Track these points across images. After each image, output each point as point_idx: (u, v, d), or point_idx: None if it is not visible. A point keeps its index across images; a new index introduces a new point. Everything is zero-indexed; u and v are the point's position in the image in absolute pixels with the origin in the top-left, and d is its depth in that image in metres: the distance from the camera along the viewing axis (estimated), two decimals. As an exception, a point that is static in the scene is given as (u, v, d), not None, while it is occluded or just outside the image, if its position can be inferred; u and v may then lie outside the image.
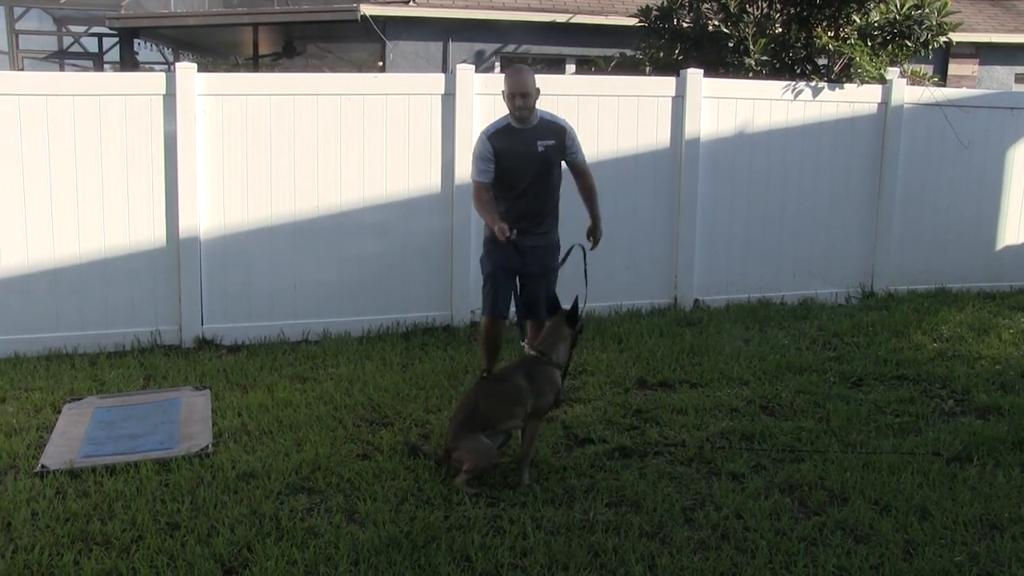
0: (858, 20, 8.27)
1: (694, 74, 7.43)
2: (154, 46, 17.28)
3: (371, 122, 6.75)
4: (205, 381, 5.71)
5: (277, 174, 6.61)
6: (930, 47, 8.33)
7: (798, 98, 7.77)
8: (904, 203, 8.17)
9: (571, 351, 4.68)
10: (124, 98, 6.30)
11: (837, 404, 5.29)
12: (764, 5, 8.61)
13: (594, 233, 5.42)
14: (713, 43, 8.53)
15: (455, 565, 3.50)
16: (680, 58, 8.65)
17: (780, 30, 8.48)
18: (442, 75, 7.02)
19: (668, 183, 7.51)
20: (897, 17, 8.21)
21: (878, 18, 8.28)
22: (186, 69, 6.40)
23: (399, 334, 6.81)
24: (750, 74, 8.14)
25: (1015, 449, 4.65)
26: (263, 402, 5.26)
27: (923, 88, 8.16)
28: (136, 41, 15.37)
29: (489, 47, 13.80)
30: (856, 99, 7.93)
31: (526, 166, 5.13)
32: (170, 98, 6.34)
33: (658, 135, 7.43)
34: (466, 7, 13.48)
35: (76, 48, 17.91)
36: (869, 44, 8.16)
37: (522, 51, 13.90)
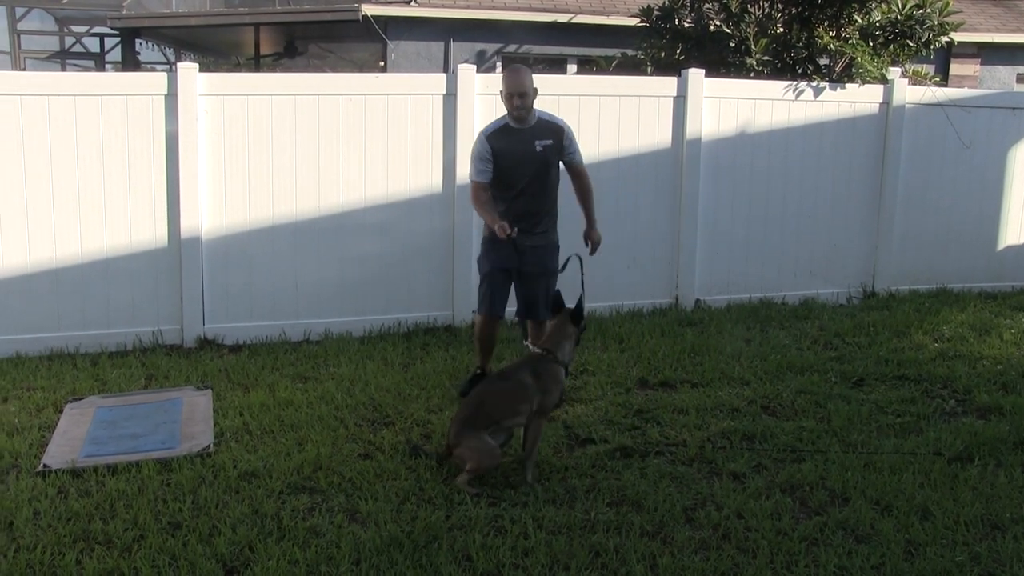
0: (860, 20, 8.27)
1: (695, 74, 7.43)
2: (156, 46, 17.31)
3: (373, 122, 6.75)
4: (207, 381, 5.71)
5: (279, 174, 6.62)
6: (932, 47, 8.32)
7: (799, 98, 7.77)
8: (905, 203, 8.17)
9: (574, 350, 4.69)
10: (126, 98, 6.30)
11: (838, 404, 5.29)
12: (765, 5, 8.60)
13: (591, 235, 5.41)
14: (714, 43, 8.52)
15: (456, 565, 3.51)
16: (681, 58, 8.65)
17: (781, 30, 8.48)
18: (443, 75, 7.02)
19: (669, 183, 7.51)
20: (899, 17, 8.20)
21: (880, 18, 8.27)
22: (188, 69, 6.40)
23: (400, 334, 6.81)
24: (751, 74, 8.14)
25: (1016, 449, 4.65)
26: (265, 402, 5.26)
27: (925, 88, 8.16)
28: (138, 41, 15.39)
29: (491, 47, 13.81)
30: (858, 99, 7.92)
31: (524, 166, 5.14)
32: (172, 98, 6.35)
33: (659, 135, 7.42)
34: (467, 7, 13.49)
35: (78, 48, 17.93)
36: (871, 44, 8.15)
37: (523, 51, 13.90)
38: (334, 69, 17.39)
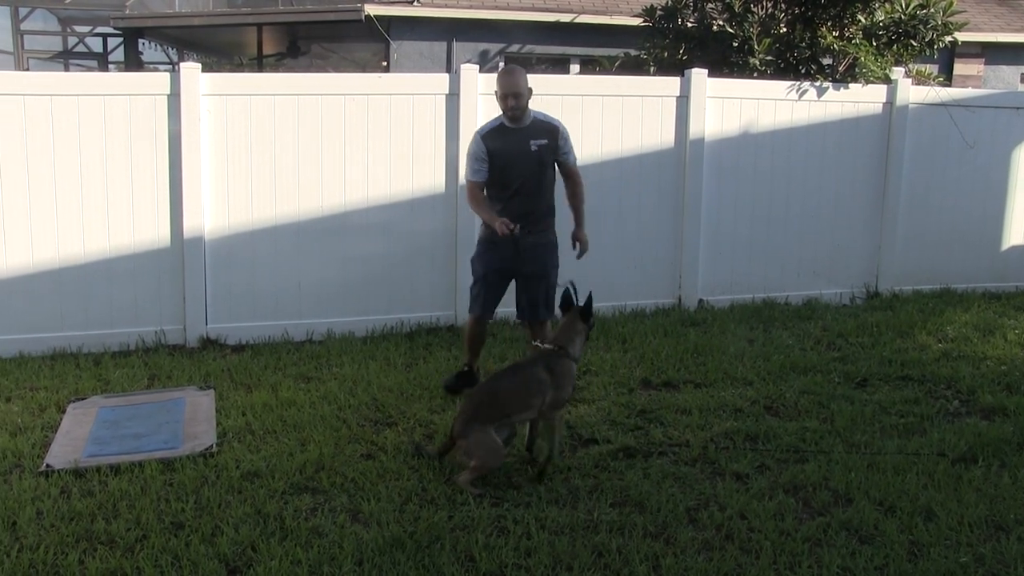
0: (863, 20, 8.26)
1: (698, 74, 7.42)
2: (158, 46, 17.32)
3: (375, 122, 6.75)
4: (209, 381, 5.71)
5: (281, 174, 6.62)
6: (935, 47, 8.31)
7: (803, 98, 7.76)
8: (909, 203, 8.15)
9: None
10: (128, 98, 6.30)
11: (841, 404, 5.28)
12: (769, 5, 8.59)
13: (579, 236, 5.40)
14: (718, 43, 8.51)
15: (459, 565, 3.50)
16: (684, 58, 8.63)
17: (785, 30, 8.47)
18: (446, 75, 7.02)
19: (672, 183, 7.50)
20: (902, 17, 8.19)
21: (883, 18, 8.26)
22: (190, 69, 6.40)
23: (403, 334, 6.81)
24: (755, 74, 8.13)
25: (1021, 450, 4.64)
26: (267, 402, 5.26)
27: (928, 88, 8.15)
28: (140, 41, 15.39)
29: (493, 47, 13.80)
30: (861, 99, 7.91)
31: (519, 165, 5.16)
32: (174, 98, 6.35)
33: (662, 135, 7.42)
34: (470, 7, 13.48)
35: (81, 48, 17.93)
36: (874, 44, 8.14)
37: (526, 51, 13.90)
38: (337, 69, 17.39)
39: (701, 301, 7.64)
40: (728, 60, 8.33)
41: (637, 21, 9.51)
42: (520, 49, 13.86)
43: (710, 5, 8.76)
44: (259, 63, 15.89)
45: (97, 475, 4.29)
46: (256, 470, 4.33)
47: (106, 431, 4.85)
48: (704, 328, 6.95)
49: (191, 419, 5.01)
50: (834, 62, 8.29)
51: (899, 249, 8.18)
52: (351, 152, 6.73)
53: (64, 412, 5.15)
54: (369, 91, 6.76)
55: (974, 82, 14.54)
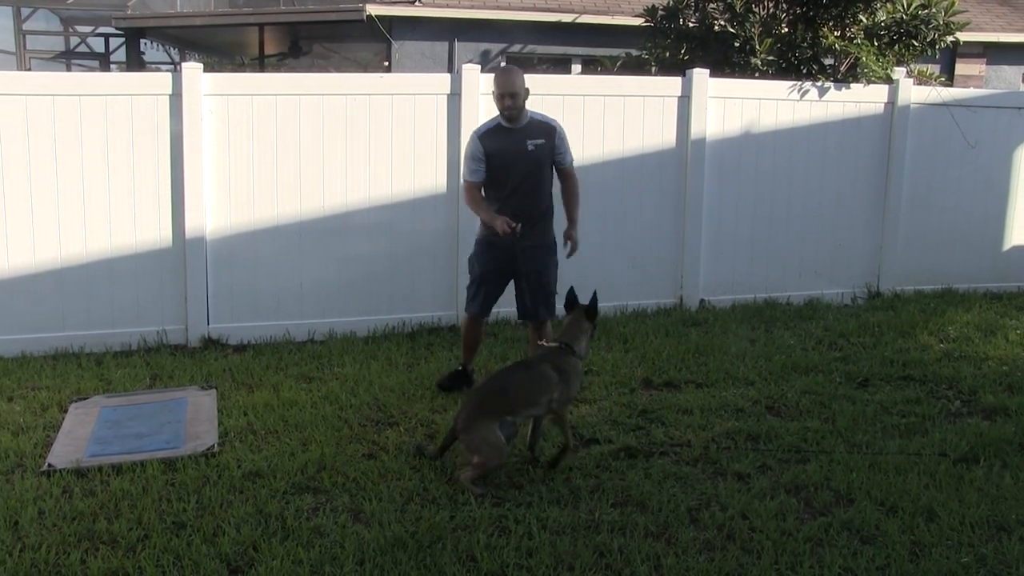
0: (865, 20, 8.25)
1: (700, 74, 7.42)
2: (160, 46, 17.32)
3: (377, 122, 6.75)
4: (211, 381, 5.72)
5: (283, 174, 6.62)
6: (937, 47, 8.30)
7: (804, 98, 7.75)
8: (910, 203, 8.15)
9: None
10: (130, 98, 6.31)
11: (843, 404, 5.28)
12: (770, 5, 8.59)
13: (571, 235, 5.38)
14: (719, 43, 8.51)
15: (460, 565, 3.50)
16: (686, 58, 8.63)
17: (786, 30, 8.47)
18: (448, 75, 7.03)
19: (674, 183, 7.50)
20: (904, 17, 8.18)
21: (885, 18, 8.25)
22: (192, 69, 6.41)
23: (405, 334, 6.81)
24: (756, 74, 8.13)
25: (1022, 450, 4.64)
26: (269, 402, 5.27)
27: (930, 88, 8.14)
28: (142, 41, 15.40)
29: (495, 47, 13.80)
30: (862, 99, 7.91)
31: (516, 165, 5.17)
32: (176, 98, 6.36)
33: (664, 135, 7.42)
34: (472, 7, 13.48)
35: (83, 48, 17.94)
36: (876, 44, 8.13)
37: (528, 51, 13.89)
38: (338, 69, 17.39)
39: (702, 301, 7.64)
40: (730, 60, 8.33)
41: (638, 21, 9.51)
42: (522, 49, 13.85)
43: (711, 5, 8.76)
44: (261, 63, 15.89)
45: (99, 475, 4.29)
46: (258, 470, 4.34)
47: (108, 431, 4.86)
48: (705, 328, 6.95)
49: (193, 419, 5.01)
50: (836, 62, 8.28)
51: (900, 249, 8.17)
52: (353, 152, 6.73)
53: (66, 412, 5.15)
54: (371, 91, 6.76)
55: (976, 82, 14.53)
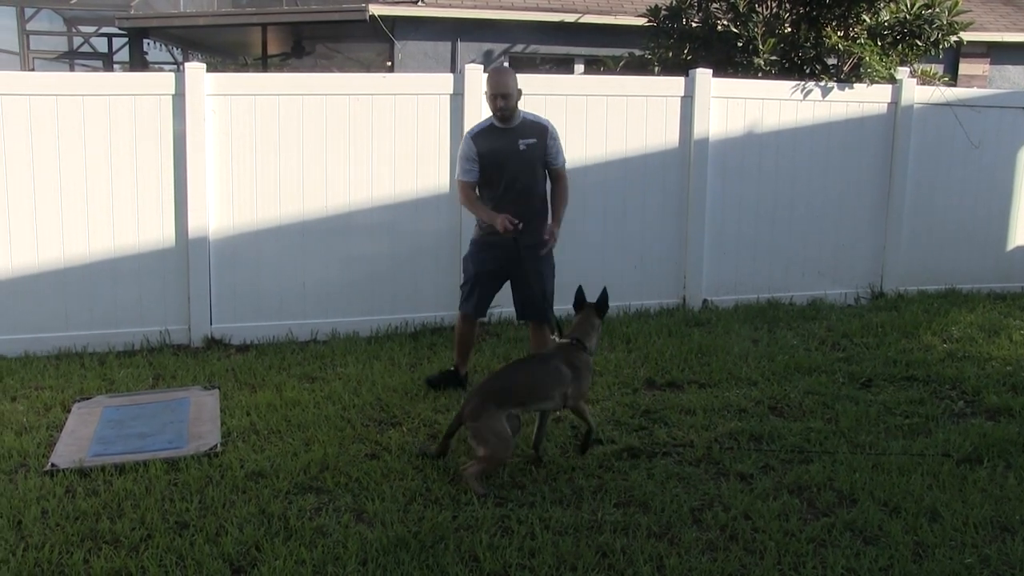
0: (868, 20, 8.24)
1: (703, 74, 7.42)
2: (163, 46, 17.34)
3: (380, 122, 6.75)
4: (214, 380, 5.72)
5: (286, 174, 6.62)
6: (941, 47, 8.29)
7: (807, 98, 7.75)
8: (914, 203, 8.14)
9: None
10: (133, 98, 6.32)
11: (846, 405, 5.28)
12: (773, 5, 8.58)
13: (551, 230, 5.26)
14: (722, 43, 8.50)
15: (463, 565, 3.50)
16: (689, 58, 8.63)
17: (789, 30, 8.46)
18: (451, 75, 7.03)
19: (677, 183, 7.50)
20: (907, 16, 8.17)
21: (888, 17, 8.24)
22: (195, 69, 6.41)
23: (408, 334, 6.81)
24: (759, 74, 8.12)
25: (1026, 451, 4.63)
26: (272, 402, 5.27)
27: (933, 88, 8.13)
28: (145, 41, 15.43)
29: (498, 47, 13.80)
30: (866, 99, 7.90)
31: (509, 165, 5.20)
32: (179, 98, 6.36)
33: (667, 135, 7.41)
34: (475, 7, 13.48)
35: (86, 48, 17.98)
36: (879, 44, 8.12)
37: (530, 51, 13.89)
38: (341, 69, 17.41)
39: (705, 301, 7.63)
40: (732, 60, 8.32)
41: (641, 21, 9.50)
42: (524, 49, 13.86)
43: (714, 5, 8.75)
44: (263, 63, 15.90)
45: (102, 474, 4.30)
46: (260, 470, 4.34)
47: (111, 431, 4.86)
48: (708, 328, 6.94)
49: (196, 419, 5.01)
50: (839, 62, 8.27)
51: (904, 249, 8.16)
52: (355, 152, 6.73)
53: (69, 412, 5.16)
54: (373, 91, 6.77)
55: (979, 82, 14.51)
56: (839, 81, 7.94)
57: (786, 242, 7.87)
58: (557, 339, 4.71)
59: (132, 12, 14.42)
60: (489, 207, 5.19)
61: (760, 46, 8.12)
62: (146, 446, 4.66)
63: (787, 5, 8.55)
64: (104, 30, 17.07)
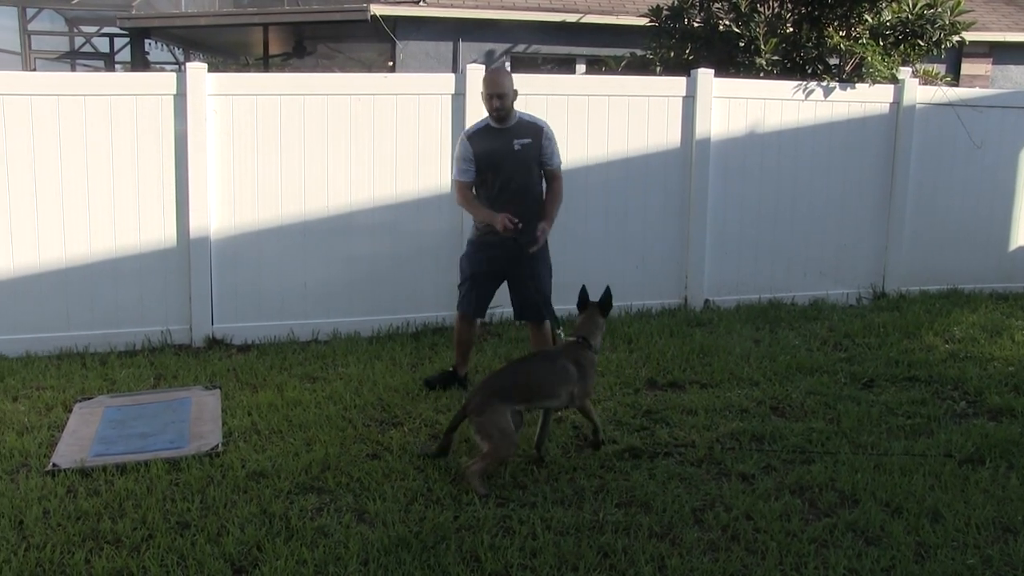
0: (870, 20, 8.23)
1: (705, 74, 7.41)
2: (165, 46, 17.35)
3: (381, 122, 6.75)
4: (215, 380, 5.72)
5: (287, 174, 6.63)
6: (943, 46, 8.28)
7: (809, 98, 7.74)
8: (916, 203, 8.13)
9: None
10: (135, 98, 6.32)
11: (848, 405, 5.27)
12: (775, 5, 8.57)
13: (542, 228, 5.21)
14: (724, 43, 8.50)
15: (464, 565, 3.50)
16: (691, 58, 8.62)
17: (791, 30, 8.45)
18: (452, 75, 7.02)
19: (678, 183, 7.49)
20: (909, 16, 8.16)
21: (890, 17, 8.23)
22: (197, 69, 6.42)
23: (409, 334, 6.81)
24: (761, 74, 8.11)
25: (1028, 451, 4.62)
26: (273, 402, 5.27)
27: (935, 88, 8.12)
28: (147, 41, 15.43)
29: (499, 47, 13.80)
30: (868, 99, 7.89)
31: (505, 166, 5.21)
32: (181, 98, 6.36)
33: (668, 135, 7.41)
34: (476, 7, 13.48)
35: (87, 48, 17.99)
36: (881, 44, 8.12)
37: (532, 51, 13.89)
38: (343, 69, 17.42)
39: (707, 301, 7.63)
40: (734, 60, 8.31)
41: (643, 21, 9.50)
42: (526, 49, 13.85)
43: (716, 5, 8.74)
44: (265, 63, 15.91)
45: (103, 474, 4.30)
46: (262, 470, 4.34)
47: (112, 431, 4.86)
48: (710, 328, 6.94)
49: (197, 419, 5.01)
50: (841, 62, 8.26)
51: (906, 249, 8.16)
52: (357, 152, 6.73)
53: (70, 412, 5.16)
54: (375, 91, 6.77)
55: (982, 82, 14.50)
56: (841, 81, 7.93)
57: (788, 242, 7.86)
58: (563, 336, 4.73)
59: (133, 12, 14.42)
60: (486, 207, 5.19)
61: (762, 46, 8.12)
62: (147, 446, 4.66)
63: (789, 5, 8.54)
64: (105, 30, 17.09)
